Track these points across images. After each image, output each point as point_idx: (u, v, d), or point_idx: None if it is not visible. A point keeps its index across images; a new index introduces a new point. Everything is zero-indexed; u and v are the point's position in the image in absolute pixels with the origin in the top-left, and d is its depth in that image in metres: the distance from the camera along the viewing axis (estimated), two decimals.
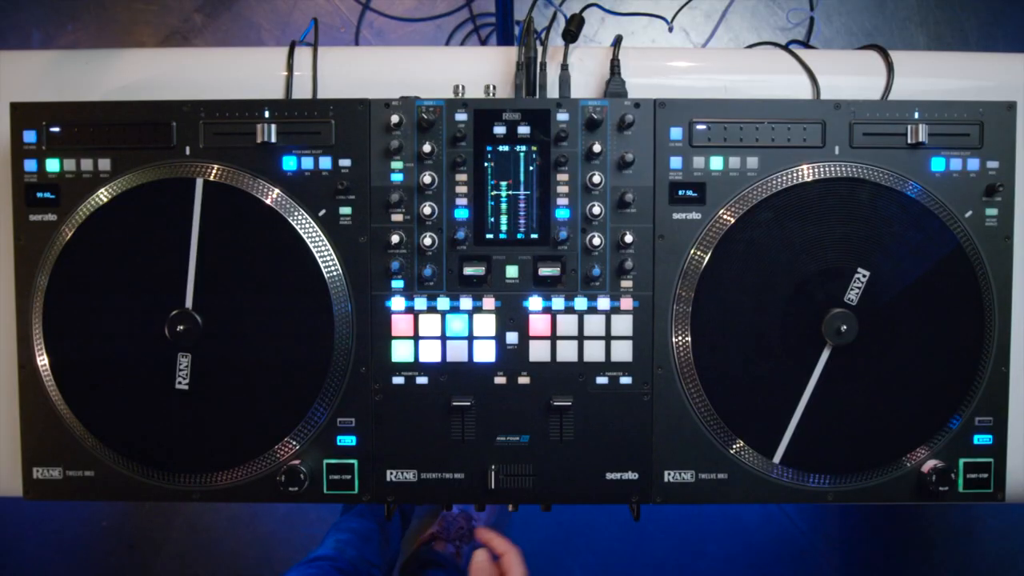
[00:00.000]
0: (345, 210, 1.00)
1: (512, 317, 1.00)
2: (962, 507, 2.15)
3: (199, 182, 0.98)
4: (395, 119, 0.98)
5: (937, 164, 1.00)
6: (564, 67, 1.06)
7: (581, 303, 1.00)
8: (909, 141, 0.99)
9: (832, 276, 0.98)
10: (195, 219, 0.98)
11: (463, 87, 1.04)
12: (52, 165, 1.00)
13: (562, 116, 0.99)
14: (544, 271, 0.99)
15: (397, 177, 1.00)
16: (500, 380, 1.00)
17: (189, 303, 0.98)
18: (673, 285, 1.00)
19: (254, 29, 2.26)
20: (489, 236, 1.00)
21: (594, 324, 1.00)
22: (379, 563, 1.65)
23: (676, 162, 1.00)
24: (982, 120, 1.00)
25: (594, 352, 1.00)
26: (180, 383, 0.99)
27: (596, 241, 0.99)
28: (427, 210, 0.99)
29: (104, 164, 1.00)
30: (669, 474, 1.01)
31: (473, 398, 1.00)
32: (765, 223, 0.98)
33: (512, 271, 1.00)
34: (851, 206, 0.98)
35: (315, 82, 1.08)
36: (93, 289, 0.99)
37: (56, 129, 1.00)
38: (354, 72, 1.10)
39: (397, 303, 1.00)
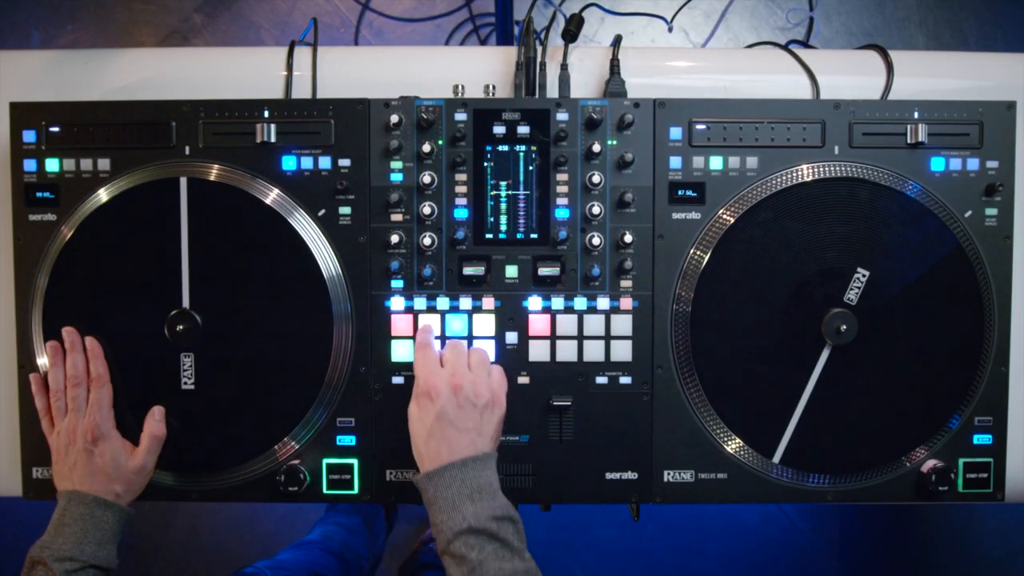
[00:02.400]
0: (345, 210, 1.00)
1: (512, 317, 1.00)
2: (962, 507, 2.14)
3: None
4: (395, 119, 0.98)
5: (937, 164, 1.00)
6: (564, 67, 1.06)
7: (581, 303, 1.00)
8: (909, 141, 0.99)
9: (832, 276, 0.98)
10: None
11: (463, 87, 1.04)
12: (52, 165, 1.00)
13: (562, 116, 0.99)
14: (544, 271, 0.99)
15: (397, 177, 1.00)
16: None
17: (188, 303, 0.98)
18: (673, 285, 1.00)
19: (254, 29, 2.26)
20: (489, 236, 1.00)
21: (594, 324, 1.00)
22: (366, 555, 1.65)
23: (676, 162, 1.00)
24: (982, 120, 1.00)
25: (594, 352, 1.00)
26: (186, 383, 0.99)
27: (596, 241, 0.99)
28: (427, 210, 0.99)
29: (104, 164, 1.00)
30: (669, 474, 1.01)
31: None
32: (765, 223, 0.98)
33: (512, 271, 1.00)
34: (851, 206, 0.98)
35: (315, 82, 1.08)
36: (93, 289, 0.99)
37: (56, 129, 0.99)
38: (354, 72, 1.10)
39: (397, 303, 1.00)
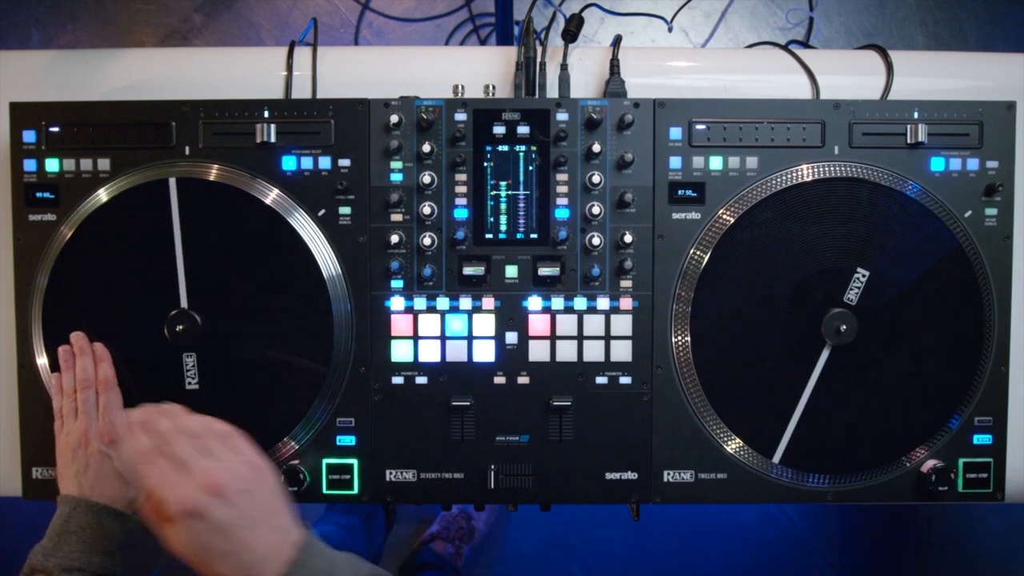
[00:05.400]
0: (344, 210, 1.00)
1: (511, 317, 1.00)
2: (962, 507, 2.14)
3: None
4: (395, 119, 0.98)
5: (936, 164, 1.00)
6: (564, 67, 1.06)
7: (580, 303, 1.00)
8: (909, 141, 0.99)
9: (832, 276, 0.98)
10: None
11: (463, 87, 1.03)
12: (51, 165, 0.99)
13: (561, 116, 0.99)
14: (544, 271, 0.99)
15: (397, 177, 1.00)
16: (499, 380, 1.00)
17: (186, 303, 0.98)
18: (673, 285, 1.00)
19: (254, 29, 2.26)
20: (488, 236, 1.00)
21: (593, 324, 1.00)
22: (364, 555, 1.65)
23: (675, 162, 1.00)
24: (981, 120, 1.00)
25: (593, 352, 1.00)
26: (190, 383, 0.99)
27: (596, 241, 0.99)
28: (427, 210, 0.99)
29: (103, 164, 1.00)
30: (668, 474, 1.01)
31: (472, 398, 1.00)
32: (765, 223, 0.98)
33: (511, 271, 1.00)
34: (850, 206, 0.98)
35: (314, 82, 1.08)
36: (93, 289, 0.99)
37: (55, 129, 0.99)
38: (354, 72, 1.10)
39: (396, 303, 1.00)
